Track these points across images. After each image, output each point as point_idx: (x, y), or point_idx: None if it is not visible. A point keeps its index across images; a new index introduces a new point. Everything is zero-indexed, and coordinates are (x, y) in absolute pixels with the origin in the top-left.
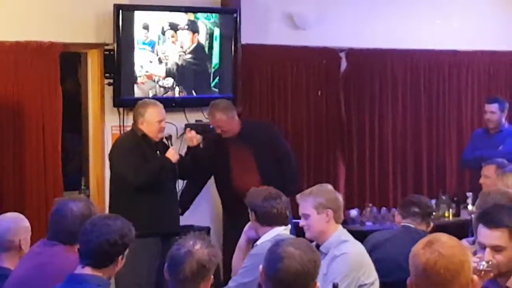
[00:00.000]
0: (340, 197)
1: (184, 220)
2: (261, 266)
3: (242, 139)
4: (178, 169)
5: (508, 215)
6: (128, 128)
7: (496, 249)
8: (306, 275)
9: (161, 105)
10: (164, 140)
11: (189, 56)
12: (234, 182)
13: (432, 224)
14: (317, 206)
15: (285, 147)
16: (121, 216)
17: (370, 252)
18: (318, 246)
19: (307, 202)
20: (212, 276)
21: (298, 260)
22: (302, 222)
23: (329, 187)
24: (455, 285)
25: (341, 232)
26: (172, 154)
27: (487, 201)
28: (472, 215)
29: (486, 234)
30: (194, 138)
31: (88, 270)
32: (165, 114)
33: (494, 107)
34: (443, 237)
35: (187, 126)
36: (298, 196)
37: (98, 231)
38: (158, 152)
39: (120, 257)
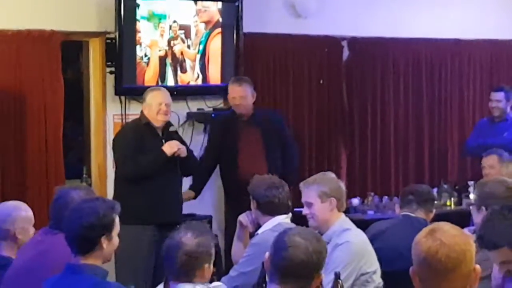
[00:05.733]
0: (343, 186)
1: (186, 209)
2: (267, 253)
3: (253, 122)
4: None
5: (501, 232)
6: (130, 117)
7: (505, 262)
8: (310, 265)
9: (164, 90)
10: (172, 128)
11: None
12: (240, 166)
13: (433, 211)
14: (321, 194)
15: (291, 138)
16: (120, 203)
17: (371, 241)
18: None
19: (311, 190)
20: (209, 264)
21: (303, 250)
22: (305, 211)
23: (332, 175)
24: (457, 273)
25: (344, 221)
26: (168, 148)
27: (484, 190)
28: (470, 207)
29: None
30: (172, 147)
31: (82, 259)
32: (168, 98)
33: (500, 95)
34: (446, 226)
35: (189, 114)
36: (301, 184)
37: (75, 217)
38: (163, 141)
39: (103, 238)
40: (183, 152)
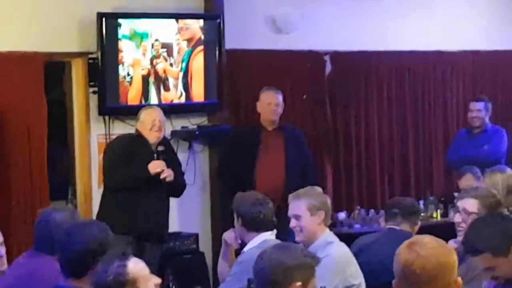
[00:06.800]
0: (329, 201)
1: (172, 226)
2: None
3: (278, 133)
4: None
5: (481, 238)
6: (114, 137)
7: (490, 268)
8: (274, 271)
9: (157, 108)
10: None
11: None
12: (259, 175)
13: (418, 224)
14: (311, 207)
15: (311, 159)
16: (102, 212)
17: (357, 255)
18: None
19: (300, 203)
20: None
21: (267, 257)
22: (292, 224)
23: (320, 190)
24: (432, 286)
25: (328, 235)
26: (152, 167)
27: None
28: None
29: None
30: (155, 167)
31: (71, 281)
32: (161, 115)
33: (480, 105)
34: (426, 238)
35: (173, 133)
36: (290, 196)
37: (73, 240)
38: (155, 156)
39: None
40: (169, 176)
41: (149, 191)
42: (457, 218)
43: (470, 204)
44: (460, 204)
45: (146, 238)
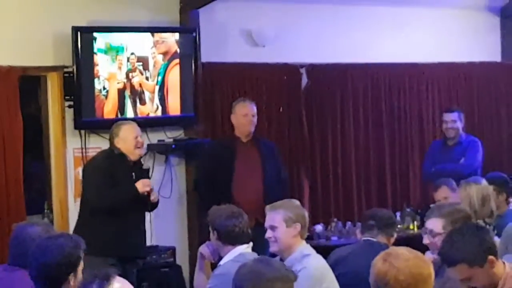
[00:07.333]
0: (307, 214)
1: (149, 240)
2: None
3: (253, 144)
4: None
5: (457, 248)
6: (91, 151)
7: (466, 279)
8: (253, 286)
9: (134, 123)
10: (145, 166)
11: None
12: (236, 186)
13: (394, 236)
14: (287, 219)
15: (285, 172)
16: (82, 232)
17: (333, 267)
18: (281, 261)
19: (277, 214)
20: None
21: (246, 272)
22: (268, 234)
23: (297, 202)
24: None
25: (304, 247)
26: (141, 186)
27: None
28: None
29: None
30: (145, 185)
31: None
32: (140, 131)
33: (454, 115)
34: (401, 250)
35: (149, 146)
36: (267, 207)
37: (42, 253)
38: (133, 174)
39: (71, 276)
40: (156, 198)
41: (132, 212)
42: (425, 240)
43: (435, 225)
44: (427, 225)
45: (129, 261)
